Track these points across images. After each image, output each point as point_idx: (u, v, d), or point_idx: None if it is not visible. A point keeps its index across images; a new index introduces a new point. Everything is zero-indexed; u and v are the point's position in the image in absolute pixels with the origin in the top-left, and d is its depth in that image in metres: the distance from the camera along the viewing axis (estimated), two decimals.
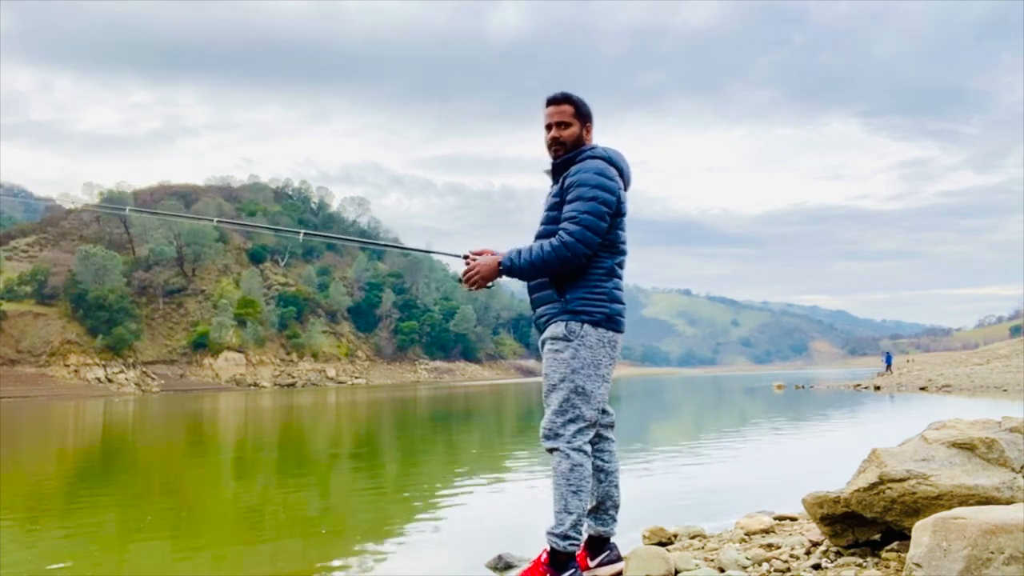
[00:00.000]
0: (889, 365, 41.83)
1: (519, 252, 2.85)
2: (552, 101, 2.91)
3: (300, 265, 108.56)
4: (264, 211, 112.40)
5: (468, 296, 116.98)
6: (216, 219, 4.04)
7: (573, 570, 2.72)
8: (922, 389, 24.50)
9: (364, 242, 4.14)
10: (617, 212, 2.84)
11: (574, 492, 2.71)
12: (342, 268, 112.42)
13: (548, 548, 2.78)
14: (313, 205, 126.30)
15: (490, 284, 2.92)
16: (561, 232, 2.75)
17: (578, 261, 2.75)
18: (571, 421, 2.76)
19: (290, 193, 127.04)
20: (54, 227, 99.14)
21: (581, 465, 2.73)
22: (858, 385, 30.33)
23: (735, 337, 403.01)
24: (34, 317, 76.11)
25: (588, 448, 2.79)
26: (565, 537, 2.71)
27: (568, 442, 2.74)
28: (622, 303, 2.91)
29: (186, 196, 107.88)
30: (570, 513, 2.71)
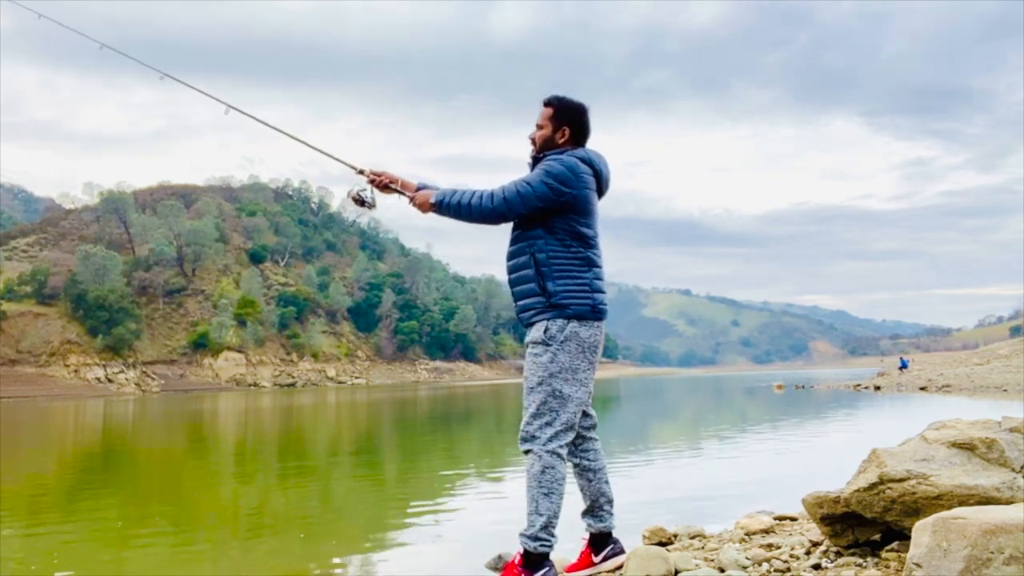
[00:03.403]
0: (903, 367, 43.51)
1: (453, 192, 2.94)
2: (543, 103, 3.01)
3: (300, 265, 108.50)
4: (264, 211, 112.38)
5: (468, 296, 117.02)
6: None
7: (546, 569, 2.73)
8: (922, 389, 24.50)
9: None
10: (579, 210, 2.83)
11: (545, 494, 2.73)
12: (342, 268, 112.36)
13: (522, 549, 2.79)
14: (313, 205, 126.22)
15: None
16: (501, 188, 2.83)
17: (495, 220, 2.85)
18: (548, 424, 2.77)
19: (290, 193, 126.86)
20: (54, 227, 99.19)
21: (553, 468, 2.74)
22: (858, 385, 30.32)
23: (735, 337, 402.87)
24: (34, 317, 76.10)
25: (563, 452, 2.79)
26: (536, 539, 2.73)
27: (544, 444, 2.76)
28: (603, 292, 2.93)
29: (186, 196, 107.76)
30: (540, 515, 2.72)
